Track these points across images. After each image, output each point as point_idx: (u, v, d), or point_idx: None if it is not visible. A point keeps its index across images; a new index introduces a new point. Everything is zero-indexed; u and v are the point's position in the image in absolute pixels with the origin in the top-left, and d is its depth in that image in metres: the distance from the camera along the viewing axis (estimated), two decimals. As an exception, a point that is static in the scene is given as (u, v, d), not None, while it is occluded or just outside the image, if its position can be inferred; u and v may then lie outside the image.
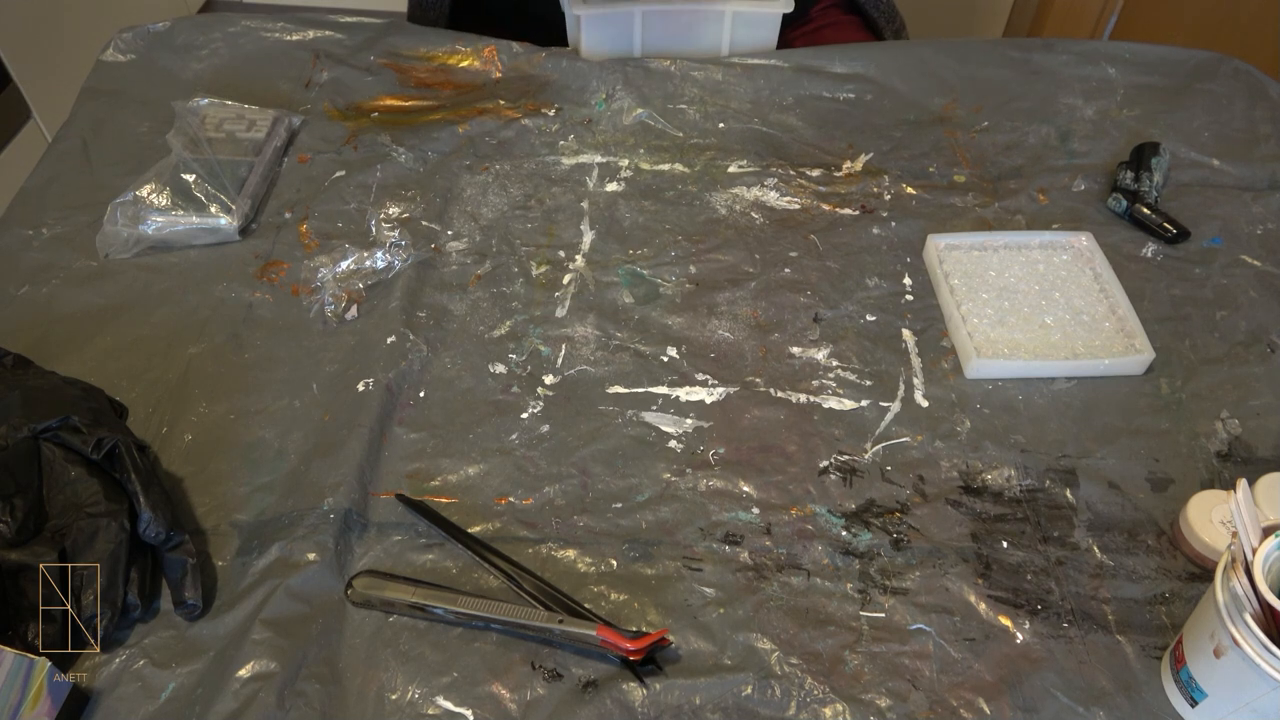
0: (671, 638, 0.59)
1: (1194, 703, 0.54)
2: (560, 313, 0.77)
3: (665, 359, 0.74)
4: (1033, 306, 0.75)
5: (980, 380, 0.72)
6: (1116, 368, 0.72)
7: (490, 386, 0.72)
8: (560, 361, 0.74)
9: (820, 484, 0.66)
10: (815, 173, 0.87)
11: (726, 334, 0.75)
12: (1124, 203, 0.82)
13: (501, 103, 0.93)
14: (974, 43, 0.98)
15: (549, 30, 0.99)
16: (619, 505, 0.65)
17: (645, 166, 0.89)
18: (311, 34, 0.99)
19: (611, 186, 0.87)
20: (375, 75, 0.96)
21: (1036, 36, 1.03)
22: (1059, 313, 0.74)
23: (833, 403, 0.71)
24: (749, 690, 0.57)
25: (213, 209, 0.81)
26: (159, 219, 0.80)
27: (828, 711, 0.56)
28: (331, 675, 0.58)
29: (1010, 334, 0.73)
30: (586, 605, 0.60)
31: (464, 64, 0.97)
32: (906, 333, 0.75)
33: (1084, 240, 0.79)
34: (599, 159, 0.88)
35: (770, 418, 0.70)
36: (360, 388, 0.71)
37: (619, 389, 0.72)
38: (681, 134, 0.91)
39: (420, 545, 0.64)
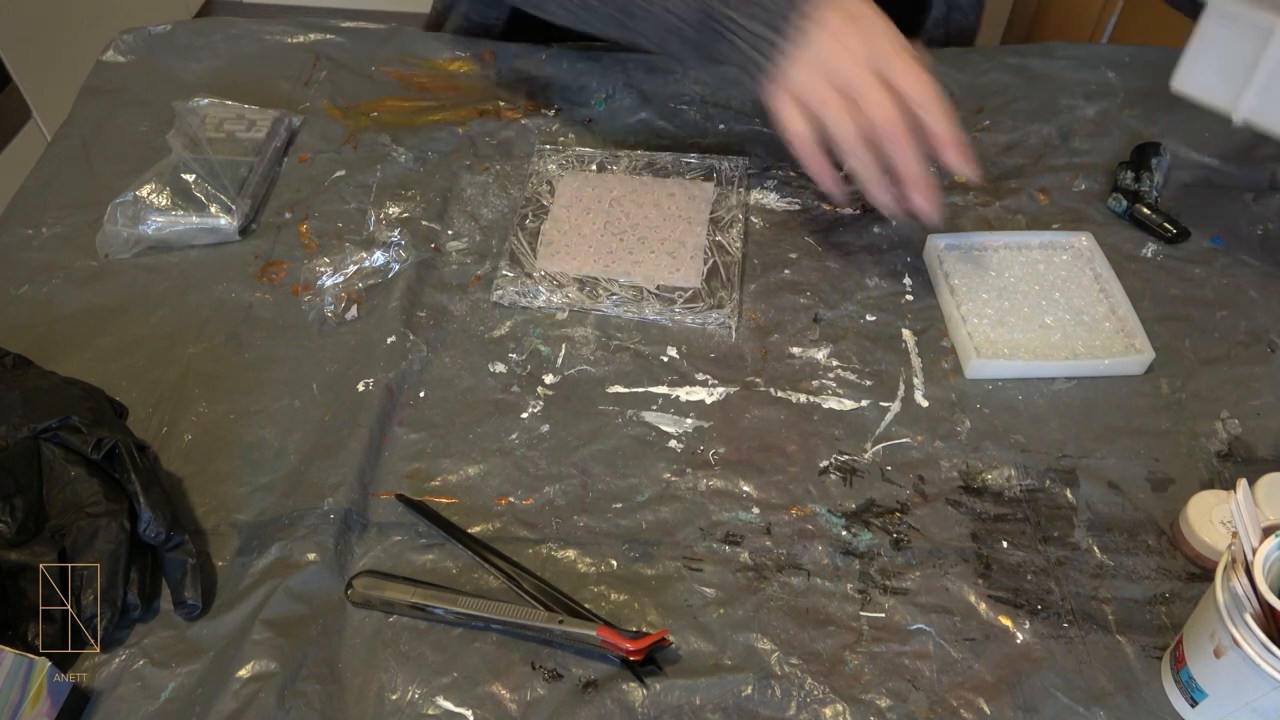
0: (671, 638, 0.59)
1: (1194, 703, 0.54)
2: (560, 313, 0.77)
3: (665, 359, 0.74)
4: (1033, 306, 0.75)
5: (980, 380, 0.72)
6: (1116, 368, 0.72)
7: (490, 386, 0.72)
8: (560, 361, 0.74)
9: (820, 484, 0.66)
10: (815, 173, 0.87)
11: (726, 334, 0.75)
12: (1124, 203, 0.82)
13: (501, 103, 0.93)
14: (972, 51, 0.98)
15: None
16: (619, 505, 0.65)
17: (645, 167, 0.88)
18: (313, 36, 0.99)
19: (611, 186, 0.87)
20: (376, 81, 0.96)
21: (1036, 37, 1.03)
22: (1059, 313, 0.74)
23: (833, 403, 0.71)
24: (749, 690, 0.57)
25: (213, 209, 0.81)
26: (159, 219, 0.80)
27: (828, 712, 0.56)
28: (331, 675, 0.58)
29: (1010, 334, 0.73)
30: (586, 605, 0.60)
31: (464, 69, 0.97)
32: (906, 333, 0.75)
33: (1084, 240, 0.79)
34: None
35: (770, 417, 0.70)
36: (360, 388, 0.71)
37: (619, 389, 0.72)
38: (681, 133, 0.91)
39: (420, 545, 0.64)
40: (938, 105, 0.65)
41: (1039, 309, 0.75)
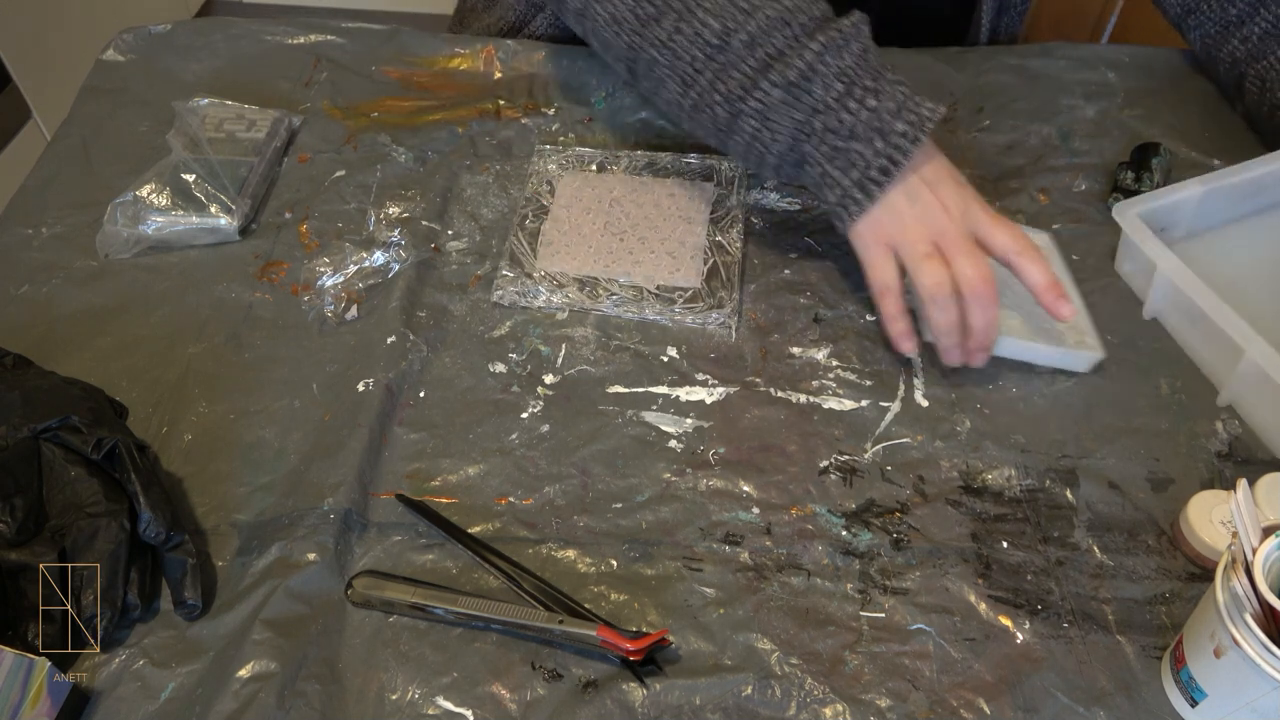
0: (671, 638, 0.59)
1: (1194, 703, 0.54)
2: (560, 313, 0.77)
3: (665, 359, 0.74)
4: None
5: (981, 380, 0.72)
6: (1064, 361, 0.72)
7: (490, 386, 0.72)
8: (560, 361, 0.74)
9: (820, 484, 0.66)
10: (815, 173, 0.87)
11: (727, 334, 0.75)
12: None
13: (501, 102, 0.93)
14: (971, 51, 0.98)
15: None
16: (619, 505, 0.65)
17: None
18: (313, 37, 0.99)
19: (611, 186, 0.87)
20: (376, 81, 0.96)
21: (1036, 38, 1.03)
22: (1013, 310, 0.74)
23: (833, 403, 0.71)
24: (749, 690, 0.57)
25: (213, 209, 0.81)
26: (159, 219, 0.80)
27: (828, 712, 0.56)
28: (331, 675, 0.58)
29: None
30: (586, 605, 0.60)
31: (464, 66, 0.97)
32: (906, 333, 0.75)
33: (1043, 239, 0.79)
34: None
35: (770, 417, 0.70)
36: (360, 388, 0.71)
37: (619, 389, 0.72)
38: (681, 133, 0.91)
39: (420, 545, 0.64)
40: (1033, 256, 0.66)
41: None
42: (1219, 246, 0.72)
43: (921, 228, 0.67)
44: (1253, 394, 0.68)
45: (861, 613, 0.60)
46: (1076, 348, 0.72)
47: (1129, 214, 0.74)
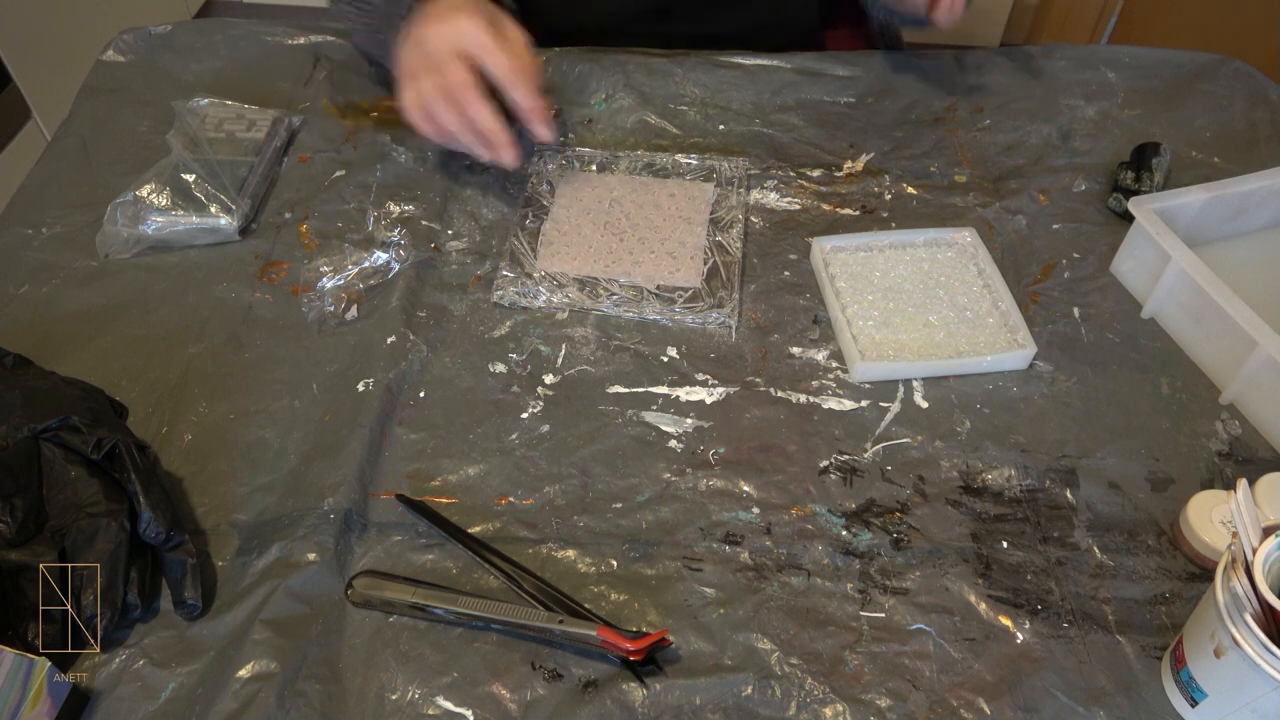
0: (671, 638, 0.59)
1: (1194, 703, 0.54)
2: (560, 313, 0.77)
3: (665, 359, 0.74)
4: (917, 306, 0.75)
5: (980, 380, 0.72)
6: (999, 363, 0.72)
7: (490, 386, 0.72)
8: (560, 361, 0.74)
9: (820, 484, 0.66)
10: (816, 173, 0.87)
11: (726, 334, 0.75)
12: (1124, 203, 0.82)
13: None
14: (972, 53, 0.98)
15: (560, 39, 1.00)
16: (619, 505, 0.65)
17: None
18: (313, 37, 0.99)
19: (611, 187, 0.86)
20: (375, 81, 0.96)
21: (1036, 38, 1.03)
22: (943, 311, 0.75)
23: (832, 403, 0.71)
24: (749, 690, 0.57)
25: (213, 209, 0.81)
26: (159, 219, 0.80)
27: (828, 711, 0.56)
28: (331, 675, 0.58)
29: (895, 335, 0.73)
30: (586, 605, 0.60)
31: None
32: (906, 333, 0.75)
33: (968, 236, 0.79)
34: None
35: (770, 417, 0.70)
36: (360, 388, 0.71)
37: (619, 389, 0.72)
38: (681, 133, 0.91)
39: (420, 545, 0.64)
40: (519, 81, 0.75)
41: (923, 308, 0.75)
42: (1210, 259, 0.72)
43: (421, 56, 0.75)
44: (1260, 390, 0.68)
45: (861, 613, 0.60)
46: (1010, 349, 0.72)
47: (1145, 207, 0.74)
